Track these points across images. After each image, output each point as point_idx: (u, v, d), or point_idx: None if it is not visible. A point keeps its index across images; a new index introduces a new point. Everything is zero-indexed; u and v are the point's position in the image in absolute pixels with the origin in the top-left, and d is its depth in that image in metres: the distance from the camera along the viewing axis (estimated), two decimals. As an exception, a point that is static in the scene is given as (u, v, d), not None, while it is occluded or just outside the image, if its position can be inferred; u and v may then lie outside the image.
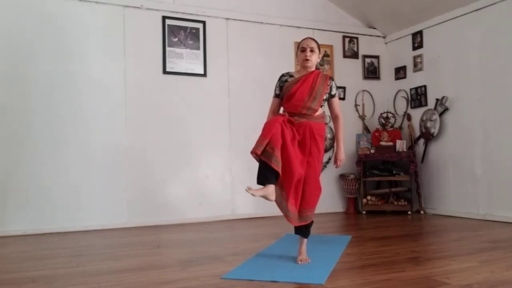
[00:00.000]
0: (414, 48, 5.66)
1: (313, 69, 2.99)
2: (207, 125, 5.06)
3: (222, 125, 5.15)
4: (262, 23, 5.41)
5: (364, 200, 5.49)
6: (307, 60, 2.92)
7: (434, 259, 2.91)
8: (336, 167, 3.10)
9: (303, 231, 2.93)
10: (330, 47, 5.79)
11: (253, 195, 2.56)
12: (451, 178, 5.13)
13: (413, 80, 5.70)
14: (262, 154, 2.61)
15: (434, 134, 5.26)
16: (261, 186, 2.63)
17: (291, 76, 2.98)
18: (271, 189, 2.64)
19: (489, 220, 4.59)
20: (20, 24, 4.35)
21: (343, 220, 5.10)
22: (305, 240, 2.95)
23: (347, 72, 5.87)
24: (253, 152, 2.64)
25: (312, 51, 2.93)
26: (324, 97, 2.93)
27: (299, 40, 3.05)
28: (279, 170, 2.63)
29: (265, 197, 2.63)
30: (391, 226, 4.43)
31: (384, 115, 5.74)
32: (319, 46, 2.99)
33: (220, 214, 5.03)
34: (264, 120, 3.01)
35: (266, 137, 2.63)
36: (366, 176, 5.54)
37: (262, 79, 5.11)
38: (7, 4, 4.32)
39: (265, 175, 2.62)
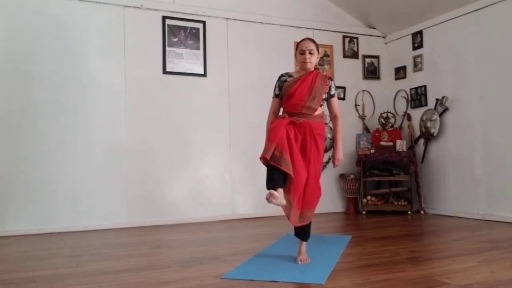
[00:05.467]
0: (414, 48, 5.66)
1: (312, 69, 2.99)
2: (207, 125, 5.06)
3: (222, 125, 5.15)
4: (262, 23, 5.41)
5: (364, 200, 5.49)
6: (306, 62, 2.92)
7: (434, 259, 2.90)
8: (334, 167, 3.10)
9: (301, 235, 2.94)
10: (330, 47, 5.79)
11: (270, 201, 2.55)
12: (451, 178, 5.13)
13: (413, 80, 5.69)
14: (271, 159, 2.62)
15: (434, 134, 5.26)
16: (277, 194, 2.59)
17: (290, 76, 2.99)
18: (282, 194, 2.65)
19: (489, 220, 4.59)
20: (20, 24, 4.35)
21: (343, 220, 5.10)
22: (305, 242, 2.96)
23: (347, 72, 5.87)
24: (262, 158, 2.65)
25: (311, 53, 2.91)
26: (324, 97, 2.93)
27: (299, 40, 3.04)
28: (291, 172, 2.64)
29: (278, 204, 2.63)
30: (391, 226, 4.42)
31: (384, 115, 5.74)
32: (317, 46, 2.98)
33: (220, 214, 5.03)
34: (265, 121, 3.03)
35: (273, 141, 2.64)
36: (366, 176, 5.54)
37: (262, 79, 5.10)
38: (8, 4, 4.32)
39: (275, 179, 2.63)
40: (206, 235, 4.12)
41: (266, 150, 2.64)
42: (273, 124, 2.79)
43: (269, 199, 2.55)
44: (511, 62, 4.47)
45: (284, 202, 2.64)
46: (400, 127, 5.80)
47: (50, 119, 4.41)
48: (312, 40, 2.98)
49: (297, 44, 3.00)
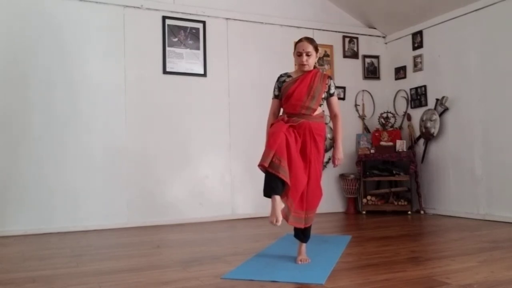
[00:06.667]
0: (414, 48, 5.66)
1: (311, 69, 2.96)
2: (207, 125, 5.06)
3: (222, 125, 5.15)
4: (262, 23, 5.41)
5: (364, 200, 5.49)
6: (304, 65, 2.90)
7: (434, 259, 2.90)
8: (334, 167, 3.09)
9: (301, 236, 2.94)
10: (330, 47, 5.79)
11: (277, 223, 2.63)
12: (451, 178, 5.13)
13: (413, 80, 5.69)
14: (269, 166, 2.62)
15: (434, 134, 5.26)
16: (279, 210, 2.65)
17: (289, 76, 2.97)
18: (279, 201, 2.66)
19: (489, 220, 4.59)
20: (20, 24, 4.35)
21: (343, 220, 5.10)
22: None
23: (347, 72, 5.86)
24: (260, 165, 2.65)
25: (308, 55, 2.87)
26: (323, 96, 2.91)
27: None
28: (288, 180, 2.65)
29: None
30: (391, 226, 4.42)
31: (384, 115, 5.74)
32: (315, 46, 2.92)
33: (220, 214, 5.03)
34: (265, 121, 3.02)
35: (271, 148, 2.64)
36: (366, 176, 5.54)
37: (262, 79, 5.10)
38: (8, 4, 4.32)
39: (272, 187, 2.64)
40: (206, 235, 4.12)
41: (264, 157, 2.63)
42: (272, 129, 2.77)
43: (276, 225, 2.64)
44: (511, 62, 4.47)
45: (280, 219, 2.66)
46: (400, 127, 5.80)
47: (50, 119, 4.41)
48: (310, 40, 2.92)
49: (295, 44, 2.95)
